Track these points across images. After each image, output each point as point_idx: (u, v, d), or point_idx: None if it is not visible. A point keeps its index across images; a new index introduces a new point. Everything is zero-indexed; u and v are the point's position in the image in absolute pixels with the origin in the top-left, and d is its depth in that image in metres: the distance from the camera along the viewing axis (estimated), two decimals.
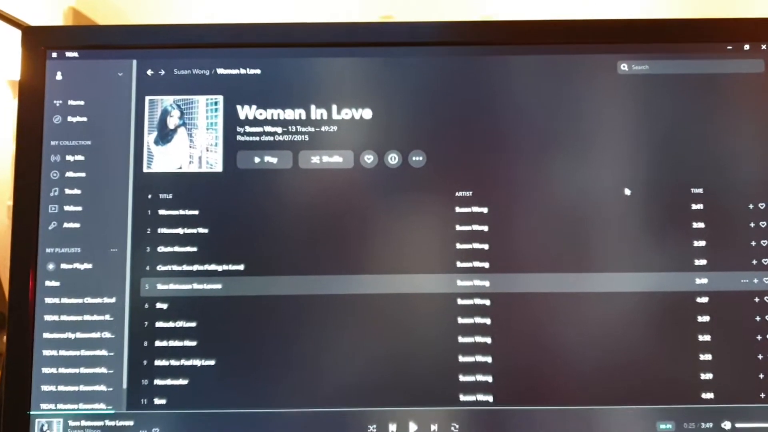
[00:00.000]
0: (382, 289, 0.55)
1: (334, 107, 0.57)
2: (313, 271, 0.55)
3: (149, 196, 0.56)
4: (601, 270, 0.55)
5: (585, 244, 0.55)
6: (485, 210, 0.56)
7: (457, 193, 0.56)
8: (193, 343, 0.54)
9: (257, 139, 0.57)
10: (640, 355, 0.53)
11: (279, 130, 0.57)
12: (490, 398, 0.53)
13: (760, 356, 0.53)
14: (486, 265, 0.55)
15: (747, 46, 0.57)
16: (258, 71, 0.58)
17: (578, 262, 0.55)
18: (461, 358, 0.54)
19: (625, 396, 0.53)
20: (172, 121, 0.58)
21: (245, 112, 0.57)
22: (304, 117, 0.57)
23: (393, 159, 0.57)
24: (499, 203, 0.56)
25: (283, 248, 0.55)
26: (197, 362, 0.54)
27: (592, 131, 0.56)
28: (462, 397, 0.53)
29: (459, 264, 0.55)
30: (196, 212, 0.56)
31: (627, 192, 0.56)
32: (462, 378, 0.53)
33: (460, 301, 0.54)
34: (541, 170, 0.56)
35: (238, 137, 0.57)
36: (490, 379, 0.53)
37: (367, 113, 0.57)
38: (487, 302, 0.54)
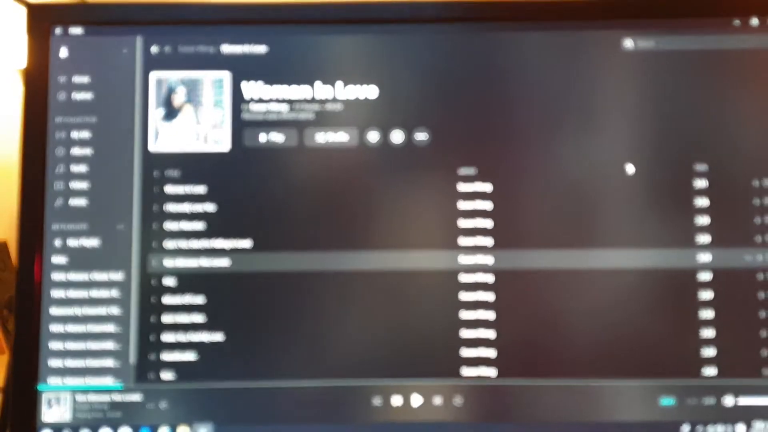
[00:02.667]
0: (385, 265, 0.55)
1: (340, 85, 0.57)
2: (318, 247, 0.55)
3: (156, 173, 0.56)
4: (604, 246, 0.55)
5: (588, 221, 0.55)
6: (489, 187, 0.56)
7: (460, 170, 0.56)
8: (201, 319, 0.55)
9: (263, 117, 0.57)
10: (642, 331, 0.54)
11: (285, 108, 0.57)
12: (493, 372, 0.54)
13: (763, 333, 0.54)
14: (490, 242, 0.55)
15: (755, 21, 0.57)
16: (264, 48, 0.58)
17: (581, 239, 0.55)
18: (464, 333, 0.54)
19: (628, 370, 0.54)
20: (178, 99, 0.58)
21: (251, 89, 0.57)
22: (309, 95, 0.57)
23: (397, 136, 0.57)
24: (503, 180, 0.56)
25: (289, 225, 0.56)
26: (205, 337, 0.54)
27: (596, 108, 0.57)
28: (465, 372, 0.54)
29: (461, 241, 0.55)
30: (203, 189, 0.56)
31: (630, 168, 0.56)
32: (465, 353, 0.54)
33: (462, 277, 0.55)
34: (545, 147, 0.56)
35: (244, 115, 0.57)
36: (493, 353, 0.54)
37: (372, 91, 0.57)
38: (491, 278, 0.55)
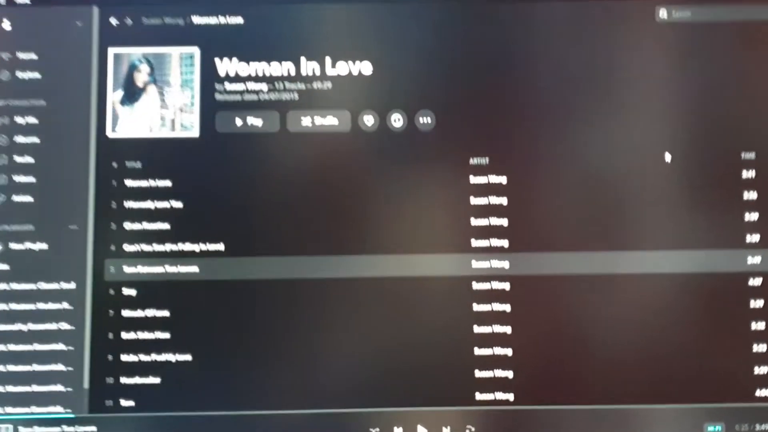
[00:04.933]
0: (384, 272, 0.47)
1: (328, 60, 0.49)
2: (305, 251, 0.47)
3: (114, 165, 0.48)
4: (638, 248, 0.47)
5: (619, 219, 0.47)
6: (504, 180, 0.48)
7: (471, 161, 0.48)
8: (166, 335, 0.46)
9: (239, 98, 0.49)
10: (683, 347, 0.46)
11: (264, 87, 0.49)
12: (510, 396, 0.46)
13: None
14: (505, 243, 0.47)
15: None
16: (240, 20, 0.49)
17: (611, 239, 0.47)
18: (477, 351, 0.46)
19: (667, 394, 0.46)
20: (141, 78, 0.50)
21: (225, 66, 0.49)
22: (293, 72, 0.49)
23: (397, 120, 0.49)
24: (519, 172, 0.48)
25: (270, 225, 0.47)
26: (171, 357, 0.46)
27: (628, 88, 0.49)
28: (478, 396, 0.46)
29: (474, 242, 0.47)
30: (168, 183, 0.48)
31: (668, 157, 0.48)
32: (478, 374, 0.46)
33: (475, 285, 0.47)
34: (569, 133, 0.48)
35: (217, 96, 0.49)
36: (510, 374, 0.46)
37: (366, 67, 0.49)
38: (507, 286, 0.47)
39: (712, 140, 0.48)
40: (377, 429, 0.46)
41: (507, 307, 0.47)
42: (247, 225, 0.47)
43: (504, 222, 0.47)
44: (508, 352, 0.46)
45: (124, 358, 0.46)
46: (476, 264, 0.47)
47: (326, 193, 0.48)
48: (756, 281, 0.47)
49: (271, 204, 0.48)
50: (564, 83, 0.49)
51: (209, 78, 0.49)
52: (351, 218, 0.47)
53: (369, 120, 0.49)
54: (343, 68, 0.49)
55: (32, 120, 0.48)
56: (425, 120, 0.49)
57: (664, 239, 0.47)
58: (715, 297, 0.47)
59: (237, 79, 0.49)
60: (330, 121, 0.49)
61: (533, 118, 0.48)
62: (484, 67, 0.49)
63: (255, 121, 0.49)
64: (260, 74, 0.49)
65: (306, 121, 0.49)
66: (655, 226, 0.47)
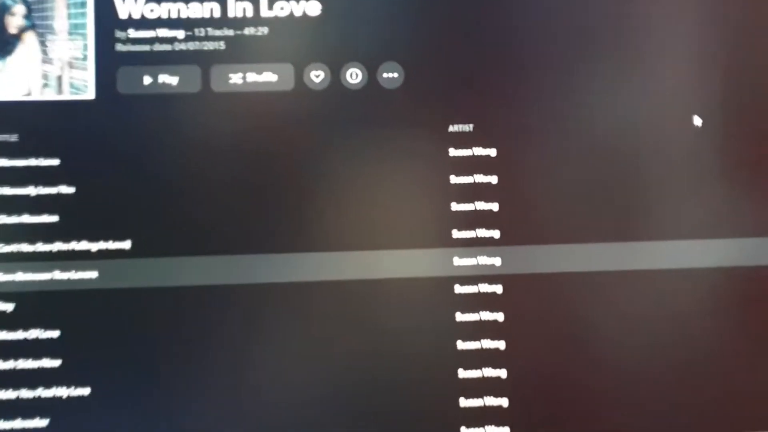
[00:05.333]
0: (341, 274, 0.37)
1: None
2: (237, 248, 0.36)
3: None
4: (660, 237, 0.37)
5: (636, 201, 0.38)
6: (492, 152, 0.38)
7: (450, 127, 0.38)
8: (56, 363, 0.35)
9: (147, 48, 0.37)
10: (718, 362, 0.37)
11: (180, 34, 0.38)
12: (505, 431, 0.36)
13: None
14: (495, 234, 0.37)
15: None
16: None
17: (627, 228, 0.37)
18: (463, 373, 0.36)
19: (699, 421, 0.37)
20: (14, 23, 0.38)
21: (128, 7, 0.37)
22: (217, 13, 0.38)
23: (354, 76, 0.38)
24: (512, 141, 0.38)
25: (191, 215, 0.36)
26: (62, 392, 0.35)
27: (644, 34, 0.38)
28: (465, 431, 0.36)
29: (456, 234, 0.37)
30: (55, 162, 0.36)
31: (697, 122, 0.38)
32: (464, 402, 0.36)
33: (458, 289, 0.37)
34: (572, 92, 0.38)
35: (119, 46, 0.37)
36: (504, 402, 0.36)
37: (313, 7, 0.38)
38: (498, 289, 0.37)
39: (751, 102, 0.38)
40: None
41: (499, 316, 0.37)
42: (159, 216, 0.36)
43: (493, 207, 0.37)
44: (502, 373, 0.36)
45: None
46: (459, 261, 0.37)
47: (263, 173, 0.37)
48: None
49: (192, 188, 0.37)
50: (567, 28, 0.38)
51: (107, 22, 0.38)
52: (296, 206, 0.37)
53: (317, 75, 0.38)
54: (283, 8, 0.38)
55: None
56: (390, 75, 0.38)
57: (691, 226, 0.37)
58: (753, 296, 0.37)
59: (144, 23, 0.38)
60: (267, 77, 0.37)
61: (528, 73, 0.38)
62: (465, 7, 0.38)
63: (169, 79, 0.37)
64: (175, 16, 0.37)
65: (235, 78, 0.37)
66: (679, 209, 0.37)
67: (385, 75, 0.38)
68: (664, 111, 0.38)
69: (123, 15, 0.37)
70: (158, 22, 0.37)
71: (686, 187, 0.38)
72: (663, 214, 0.37)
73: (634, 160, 0.38)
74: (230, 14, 0.38)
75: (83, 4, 0.37)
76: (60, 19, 0.37)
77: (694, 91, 0.38)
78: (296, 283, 0.36)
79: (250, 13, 0.38)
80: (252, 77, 0.37)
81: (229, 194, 0.37)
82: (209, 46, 0.37)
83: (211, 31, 0.37)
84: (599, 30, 0.38)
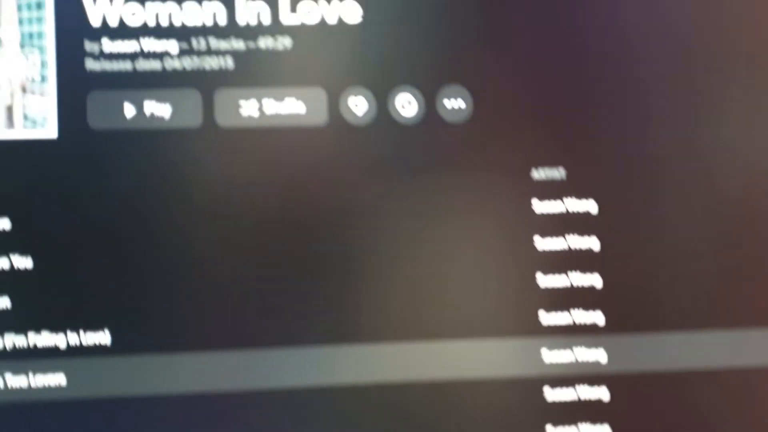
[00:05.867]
0: (392, 374, 0.27)
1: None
2: (257, 341, 0.27)
3: None
4: None
5: None
6: (592, 206, 0.28)
7: (535, 173, 0.28)
8: None
9: (129, 66, 0.28)
10: None
11: (173, 46, 0.28)
12: None
13: None
14: (598, 318, 0.28)
15: None
16: None
17: None
18: None
19: None
20: None
21: (101, 9, 0.28)
22: (223, 19, 0.28)
23: (406, 105, 0.28)
24: (618, 192, 0.28)
25: (192, 296, 0.27)
26: None
27: None
28: None
29: (545, 317, 0.28)
30: (5, 224, 0.27)
31: None
32: None
33: (549, 393, 0.27)
34: (702, 128, 0.29)
35: (90, 63, 0.28)
36: None
37: (351, 11, 0.28)
38: (603, 393, 0.28)
39: None
40: None
41: (605, 431, 0.27)
42: (150, 298, 0.27)
43: (595, 281, 0.28)
44: None
45: None
46: (549, 356, 0.28)
47: (288, 239, 0.27)
48: None
49: (192, 260, 0.27)
50: (696, 39, 0.29)
51: (73, 29, 0.28)
52: (332, 283, 0.27)
53: (359, 104, 0.28)
54: (310, 11, 0.28)
55: None
56: (454, 103, 0.28)
57: None
58: None
59: (124, 31, 0.28)
60: (291, 107, 0.28)
61: (641, 101, 0.29)
62: (553, 9, 0.29)
63: (158, 109, 0.28)
64: (165, 23, 0.28)
65: (248, 108, 0.28)
66: None
67: (447, 103, 0.28)
68: None
69: (95, 20, 0.28)
70: (143, 31, 0.28)
71: None
72: None
73: None
74: (240, 21, 0.28)
75: (40, 5, 0.28)
76: (7, 25, 0.28)
77: None
78: (330, 387, 0.27)
79: (266, 19, 0.28)
80: (271, 107, 0.28)
81: (242, 268, 0.27)
82: (212, 63, 0.28)
83: (214, 44, 0.28)
84: (739, 43, 0.29)
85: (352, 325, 0.27)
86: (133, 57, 0.28)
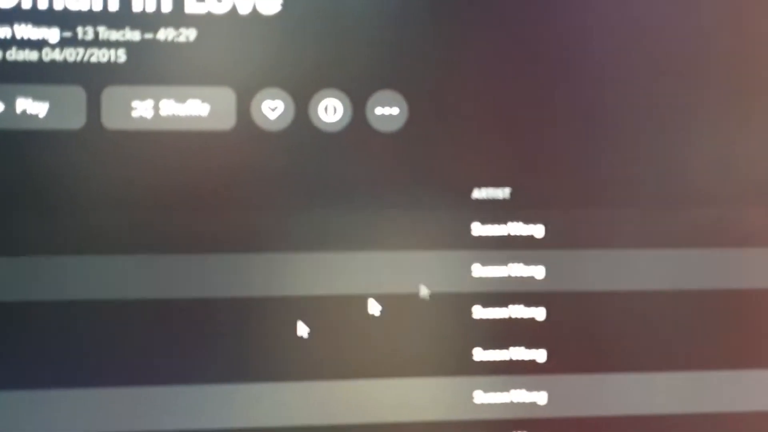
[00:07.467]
0: (307, 417, 0.24)
1: None
2: (149, 378, 0.23)
3: None
4: None
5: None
6: (539, 230, 0.25)
7: (476, 192, 0.25)
8: None
9: None
10: None
11: (53, 34, 0.23)
12: None
13: None
14: (539, 355, 0.25)
15: None
16: None
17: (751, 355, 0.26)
18: None
19: None
20: None
21: None
22: (115, 4, 0.24)
23: (331, 111, 0.24)
24: (568, 215, 0.25)
25: (73, 335, 0.23)
26: None
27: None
28: None
29: (479, 354, 0.24)
30: None
31: None
32: None
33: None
34: (662, 143, 0.26)
35: None
36: None
37: (268, 1, 0.24)
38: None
39: None
40: None
41: None
42: (13, 341, 0.23)
43: (538, 314, 0.25)
44: None
45: None
46: (483, 398, 0.24)
47: (187, 263, 0.23)
48: None
49: (74, 287, 0.23)
50: (641, 68, 0.26)
51: None
52: (240, 315, 0.23)
53: (274, 108, 0.24)
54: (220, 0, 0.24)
55: None
56: (387, 110, 0.25)
57: None
58: None
59: None
60: (193, 108, 0.24)
61: (596, 113, 0.26)
62: (501, 21, 0.25)
63: (33, 107, 0.23)
64: (44, 6, 0.23)
65: (142, 109, 0.24)
66: None
67: (378, 110, 0.25)
68: None
69: None
70: (15, 14, 0.23)
71: None
72: None
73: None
74: (135, 7, 0.24)
75: None
76: None
77: None
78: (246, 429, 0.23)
79: (167, 6, 0.24)
80: (169, 108, 0.24)
81: (135, 303, 0.23)
82: (100, 56, 0.24)
83: (104, 33, 0.24)
84: (689, 62, 0.26)
85: (257, 363, 0.24)
86: (3, 45, 0.23)
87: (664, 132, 0.26)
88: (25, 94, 0.23)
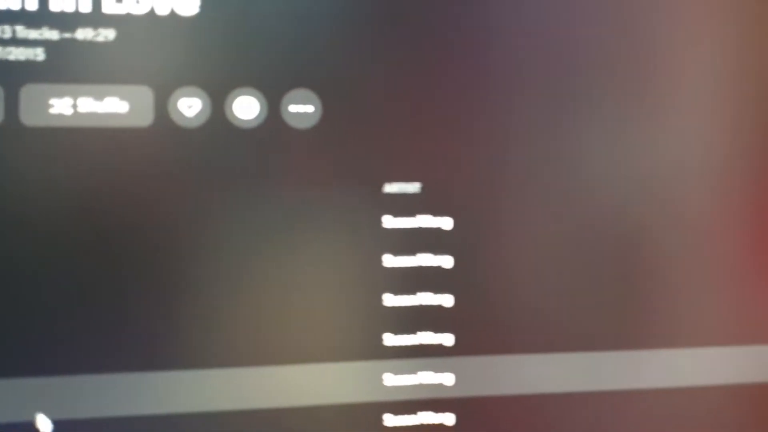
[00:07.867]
0: (223, 402, 0.25)
1: None
2: (68, 367, 0.24)
3: None
4: (674, 345, 0.28)
5: (645, 295, 0.28)
6: (447, 222, 0.26)
7: (387, 187, 0.26)
8: None
9: None
10: None
11: None
12: None
13: None
14: (448, 339, 0.26)
15: None
16: None
17: (634, 332, 0.27)
18: None
19: None
20: None
21: None
22: (34, 5, 0.24)
23: (246, 108, 0.25)
24: (474, 209, 0.27)
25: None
26: None
27: (667, 63, 0.28)
28: None
29: (389, 339, 0.26)
30: None
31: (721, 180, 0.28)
32: None
33: (390, 420, 0.26)
34: (563, 141, 0.27)
35: None
36: None
37: (186, 2, 0.25)
38: (449, 419, 0.26)
39: None
40: None
41: None
42: None
43: (445, 301, 0.26)
44: None
45: None
46: (393, 380, 0.26)
47: (105, 257, 0.24)
48: None
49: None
50: (563, 46, 0.27)
51: None
52: (157, 305, 0.24)
53: (190, 106, 0.25)
54: (138, 0, 0.25)
55: None
56: (301, 108, 0.26)
57: (721, 331, 0.28)
58: None
59: None
60: (111, 106, 0.25)
61: (502, 111, 0.27)
62: (415, 20, 0.27)
63: None
64: None
65: (60, 107, 0.24)
66: (708, 304, 0.28)
67: (293, 108, 0.26)
68: (688, 172, 0.28)
69: None
70: None
71: (717, 278, 0.28)
72: (678, 313, 0.28)
73: (646, 241, 0.28)
74: (54, 7, 0.24)
75: None
76: None
77: (730, 142, 0.28)
78: (164, 415, 0.24)
79: (86, 7, 0.25)
80: (87, 105, 0.24)
81: (51, 290, 0.24)
82: (18, 54, 0.24)
83: (21, 31, 0.24)
84: (605, 51, 0.28)
85: (175, 351, 0.25)
86: None
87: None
88: None
